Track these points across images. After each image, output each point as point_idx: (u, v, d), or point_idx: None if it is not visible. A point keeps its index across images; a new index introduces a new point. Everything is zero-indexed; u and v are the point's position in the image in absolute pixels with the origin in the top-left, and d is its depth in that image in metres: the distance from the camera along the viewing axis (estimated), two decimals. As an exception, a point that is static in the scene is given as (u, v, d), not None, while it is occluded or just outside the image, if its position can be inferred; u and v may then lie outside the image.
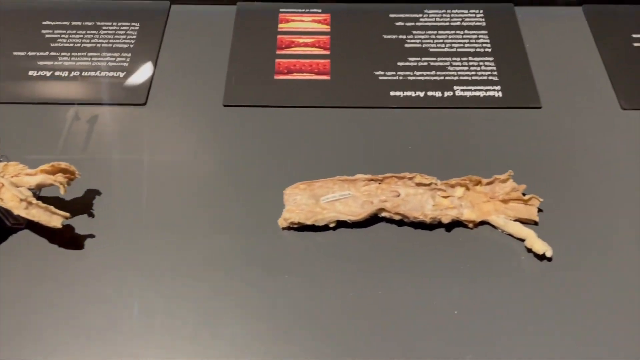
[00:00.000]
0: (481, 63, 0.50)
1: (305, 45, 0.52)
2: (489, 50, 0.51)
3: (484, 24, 0.53)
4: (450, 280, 0.38)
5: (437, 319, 0.37)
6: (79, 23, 0.54)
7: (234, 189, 0.43)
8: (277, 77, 0.50)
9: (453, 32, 0.53)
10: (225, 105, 0.48)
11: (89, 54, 0.51)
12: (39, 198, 0.38)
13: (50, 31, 0.53)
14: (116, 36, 0.53)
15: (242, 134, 0.46)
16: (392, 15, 0.54)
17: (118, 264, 0.39)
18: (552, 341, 0.36)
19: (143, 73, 0.50)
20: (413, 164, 0.43)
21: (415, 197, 0.40)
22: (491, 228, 0.41)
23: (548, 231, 0.40)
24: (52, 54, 0.51)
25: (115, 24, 0.54)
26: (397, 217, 0.40)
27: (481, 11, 0.54)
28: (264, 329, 0.36)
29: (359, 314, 0.37)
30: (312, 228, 0.41)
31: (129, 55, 0.51)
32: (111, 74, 0.50)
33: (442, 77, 0.49)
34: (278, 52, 0.51)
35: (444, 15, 0.54)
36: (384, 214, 0.40)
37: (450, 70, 0.50)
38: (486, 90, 0.48)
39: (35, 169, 0.39)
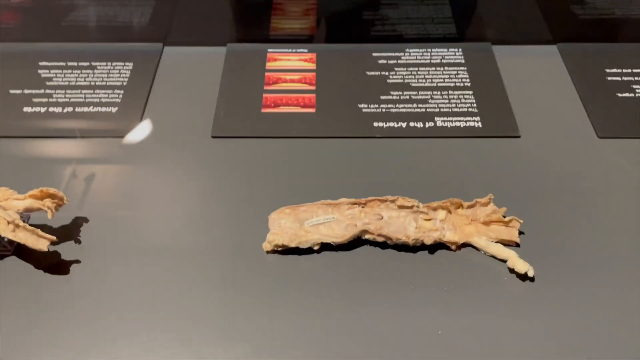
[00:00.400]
0: (461, 96, 0.52)
1: (292, 81, 0.54)
2: (468, 84, 0.53)
3: (462, 61, 0.56)
4: (433, 301, 0.38)
5: (421, 339, 0.36)
6: (75, 63, 0.56)
7: (221, 215, 0.44)
8: (264, 110, 0.51)
9: (433, 68, 0.55)
10: (213, 137, 0.49)
11: (83, 92, 0.53)
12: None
13: (47, 71, 0.55)
14: (110, 75, 0.55)
15: (229, 164, 0.48)
16: (375, 54, 0.57)
17: (103, 288, 0.39)
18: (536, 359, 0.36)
19: (134, 107, 0.52)
20: (396, 190, 0.44)
21: (398, 220, 0.41)
22: (473, 250, 0.41)
23: (529, 252, 0.40)
24: (47, 91, 0.53)
25: (109, 63, 0.56)
26: (380, 239, 0.41)
27: (460, 50, 0.57)
28: (249, 351, 0.36)
29: (343, 335, 0.37)
30: (297, 252, 0.41)
31: (122, 92, 0.53)
32: (104, 109, 0.51)
33: (423, 110, 0.51)
34: (265, 87, 0.53)
35: (425, 53, 0.57)
36: (367, 236, 0.41)
37: (431, 103, 0.52)
38: (466, 121, 0.50)
39: (24, 194, 0.40)
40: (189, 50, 0.58)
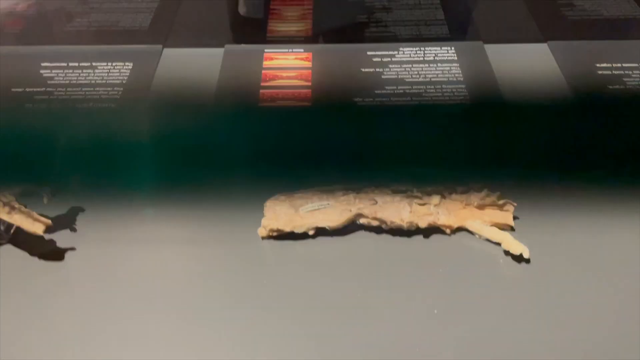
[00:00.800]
0: (454, 89, 0.53)
1: (288, 78, 0.55)
2: (461, 79, 0.54)
3: (455, 57, 0.57)
4: (429, 283, 0.38)
5: (417, 320, 0.36)
6: (76, 64, 0.57)
7: (216, 203, 0.44)
8: (261, 105, 0.52)
9: (427, 65, 0.56)
10: (210, 130, 0.50)
11: (83, 89, 0.54)
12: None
13: (48, 71, 0.56)
14: (110, 74, 0.56)
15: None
16: (369, 53, 0.58)
17: (99, 276, 0.39)
18: (532, 339, 0.35)
19: (134, 102, 0.52)
20: (390, 176, 0.44)
21: (393, 204, 0.41)
22: (468, 235, 0.41)
23: (524, 236, 0.40)
24: (48, 89, 0.54)
25: (110, 64, 0.57)
26: (375, 223, 0.41)
27: (453, 48, 0.58)
28: (244, 336, 0.36)
29: (339, 319, 0.37)
30: (292, 237, 0.41)
31: (121, 89, 0.54)
32: (103, 105, 0.52)
33: (417, 102, 0.52)
34: (262, 84, 0.54)
35: (418, 52, 0.58)
36: (362, 220, 0.41)
37: (425, 97, 0.52)
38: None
39: (21, 180, 0.40)
40: (188, 51, 0.60)
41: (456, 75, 0.55)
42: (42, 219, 0.38)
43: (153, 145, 0.49)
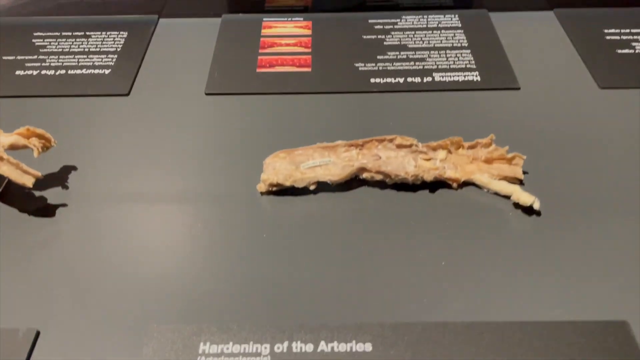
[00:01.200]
0: (459, 54, 0.51)
1: (287, 45, 0.54)
2: (466, 45, 0.53)
3: (459, 25, 0.55)
4: (436, 237, 0.37)
5: (424, 273, 0.35)
6: (69, 33, 0.56)
7: (214, 163, 0.42)
8: (259, 70, 0.51)
9: (430, 32, 0.55)
10: (207, 94, 0.49)
11: (76, 57, 0.53)
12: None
13: (41, 40, 0.55)
14: (104, 42, 0.54)
15: (224, 119, 0.46)
16: (371, 21, 0.56)
17: (92, 232, 0.38)
18: (541, 294, 0.34)
19: (128, 69, 0.51)
20: (395, 133, 0.42)
21: (397, 160, 0.40)
22: (476, 189, 0.40)
23: (533, 191, 0.39)
24: (40, 57, 0.53)
25: (104, 33, 0.55)
26: (378, 177, 0.39)
27: (456, 15, 0.57)
28: (248, 294, 0.34)
29: (342, 272, 0.35)
30: (292, 192, 0.39)
31: (115, 56, 0.53)
32: (96, 71, 0.51)
33: (421, 67, 0.50)
34: (261, 51, 0.53)
35: (421, 19, 0.56)
36: (365, 175, 0.39)
37: (428, 61, 0.51)
38: (465, 76, 0.49)
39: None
40: (184, 21, 0.58)
41: (461, 41, 0.53)
42: (32, 171, 0.36)
43: (148, 107, 0.47)
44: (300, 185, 0.39)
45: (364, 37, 0.54)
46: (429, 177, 0.39)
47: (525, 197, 0.37)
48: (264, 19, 0.57)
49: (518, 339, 0.30)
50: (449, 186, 0.40)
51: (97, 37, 0.55)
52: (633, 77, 0.48)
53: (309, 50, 0.53)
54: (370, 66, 0.51)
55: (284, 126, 0.45)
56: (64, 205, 0.39)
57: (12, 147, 0.37)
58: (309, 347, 0.30)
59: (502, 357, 0.29)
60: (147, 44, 0.54)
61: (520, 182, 0.39)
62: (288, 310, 0.33)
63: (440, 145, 0.40)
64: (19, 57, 0.53)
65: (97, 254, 0.36)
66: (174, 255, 0.36)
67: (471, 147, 0.41)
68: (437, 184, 0.40)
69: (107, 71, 0.51)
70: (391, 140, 0.40)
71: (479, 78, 0.49)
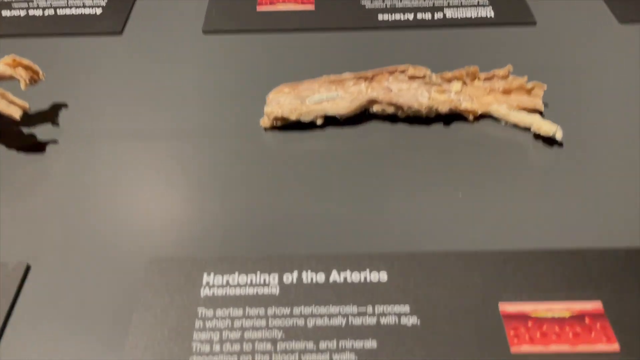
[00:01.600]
0: (474, -9, 0.49)
1: (289, -17, 0.51)
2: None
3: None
4: (452, 170, 0.34)
5: (441, 204, 0.32)
6: (58, -25, 0.53)
7: (214, 101, 0.40)
8: (259, 9, 0.48)
9: (441, -31, 0.52)
10: (205, 32, 0.46)
11: (66, -4, 0.50)
12: None
13: (28, -18, 0.52)
14: (95, -17, 0.51)
15: (222, 57, 0.44)
16: (377, -40, 0.54)
17: (86, 169, 0.35)
18: (564, 222, 0.32)
19: (120, 6, 0.48)
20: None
21: (409, 92, 0.37)
22: (493, 122, 0.37)
23: (555, 122, 0.36)
24: (28, -2, 0.50)
25: (95, -27, 0.53)
26: (390, 110, 0.37)
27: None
28: (254, 228, 0.32)
29: (356, 207, 0.33)
30: (298, 128, 0.37)
31: (108, -4, 0.50)
32: (87, 11, 0.48)
33: (431, 3, 0.48)
34: (261, -10, 0.50)
35: (429, -42, 0.54)
36: (375, 108, 0.37)
37: (442, -3, 0.48)
38: (477, 11, 0.46)
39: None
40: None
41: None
42: (19, 101, 0.34)
43: (142, 46, 0.45)
44: (306, 119, 0.36)
45: (370, -25, 0.52)
46: (443, 108, 0.36)
47: (547, 127, 0.35)
48: (264, -41, 0.54)
49: (543, 266, 0.28)
50: (464, 119, 0.37)
51: (88, -21, 0.52)
52: (655, 11, 0.46)
53: (312, -12, 0.50)
54: (377, 3, 0.48)
55: (287, 66, 0.42)
56: (54, 142, 0.37)
57: (-2, 78, 0.35)
58: (320, 277, 0.28)
59: (526, 283, 0.27)
60: (141, -15, 0.51)
61: (540, 114, 0.37)
62: (297, 244, 0.31)
63: (455, 76, 0.38)
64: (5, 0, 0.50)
65: (91, 191, 0.34)
66: (173, 191, 0.34)
67: (487, 79, 0.38)
68: (452, 117, 0.37)
69: (98, 10, 0.48)
70: (403, 71, 0.38)
71: (492, 14, 0.46)
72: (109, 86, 0.41)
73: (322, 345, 0.26)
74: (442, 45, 0.44)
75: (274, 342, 0.26)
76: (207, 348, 0.25)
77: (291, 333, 0.26)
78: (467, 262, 0.28)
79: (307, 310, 0.27)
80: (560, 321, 0.26)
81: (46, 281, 0.29)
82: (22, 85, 0.35)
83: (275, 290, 0.28)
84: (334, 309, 0.27)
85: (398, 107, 0.37)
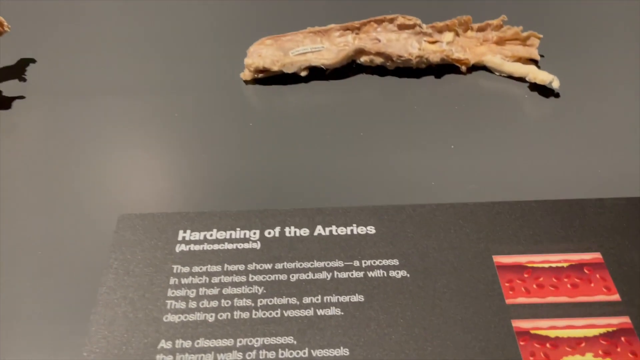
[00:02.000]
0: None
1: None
2: None
3: None
4: (443, 123, 0.33)
5: (431, 157, 0.31)
6: None
7: (189, 53, 0.38)
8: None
9: None
10: (183, -14, 0.43)
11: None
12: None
13: None
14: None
15: (201, 9, 0.41)
16: None
17: (55, 123, 0.33)
18: (561, 173, 0.30)
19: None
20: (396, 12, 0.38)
21: (398, 42, 0.35)
22: (487, 74, 0.36)
23: (551, 73, 0.35)
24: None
25: None
26: (378, 60, 0.35)
27: None
28: (232, 184, 0.30)
29: (343, 161, 0.31)
30: (281, 81, 0.35)
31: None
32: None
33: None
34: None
35: None
36: (363, 58, 0.35)
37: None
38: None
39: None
40: None
41: None
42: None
43: None
44: (289, 70, 0.34)
45: None
46: (435, 58, 0.34)
47: (543, 76, 0.33)
48: None
49: (539, 215, 0.27)
50: (456, 71, 0.35)
51: None
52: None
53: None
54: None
55: (267, 14, 0.40)
56: (21, 97, 0.34)
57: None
58: (304, 232, 0.26)
59: (522, 235, 0.26)
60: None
61: (536, 64, 0.35)
62: (280, 200, 0.29)
63: (447, 26, 0.36)
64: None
65: (60, 147, 0.32)
66: (149, 147, 0.32)
67: (480, 30, 0.36)
68: (444, 69, 0.35)
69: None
70: (391, 21, 0.36)
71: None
72: (77, 38, 0.39)
73: (306, 300, 0.24)
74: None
75: (254, 298, 0.24)
76: (182, 305, 0.24)
77: (273, 289, 0.24)
78: (459, 214, 0.27)
79: (290, 265, 0.25)
80: (557, 271, 0.25)
81: (12, 240, 0.27)
82: (-12, 34, 0.33)
83: (257, 245, 0.26)
84: (318, 264, 0.25)
85: (387, 57, 0.35)
